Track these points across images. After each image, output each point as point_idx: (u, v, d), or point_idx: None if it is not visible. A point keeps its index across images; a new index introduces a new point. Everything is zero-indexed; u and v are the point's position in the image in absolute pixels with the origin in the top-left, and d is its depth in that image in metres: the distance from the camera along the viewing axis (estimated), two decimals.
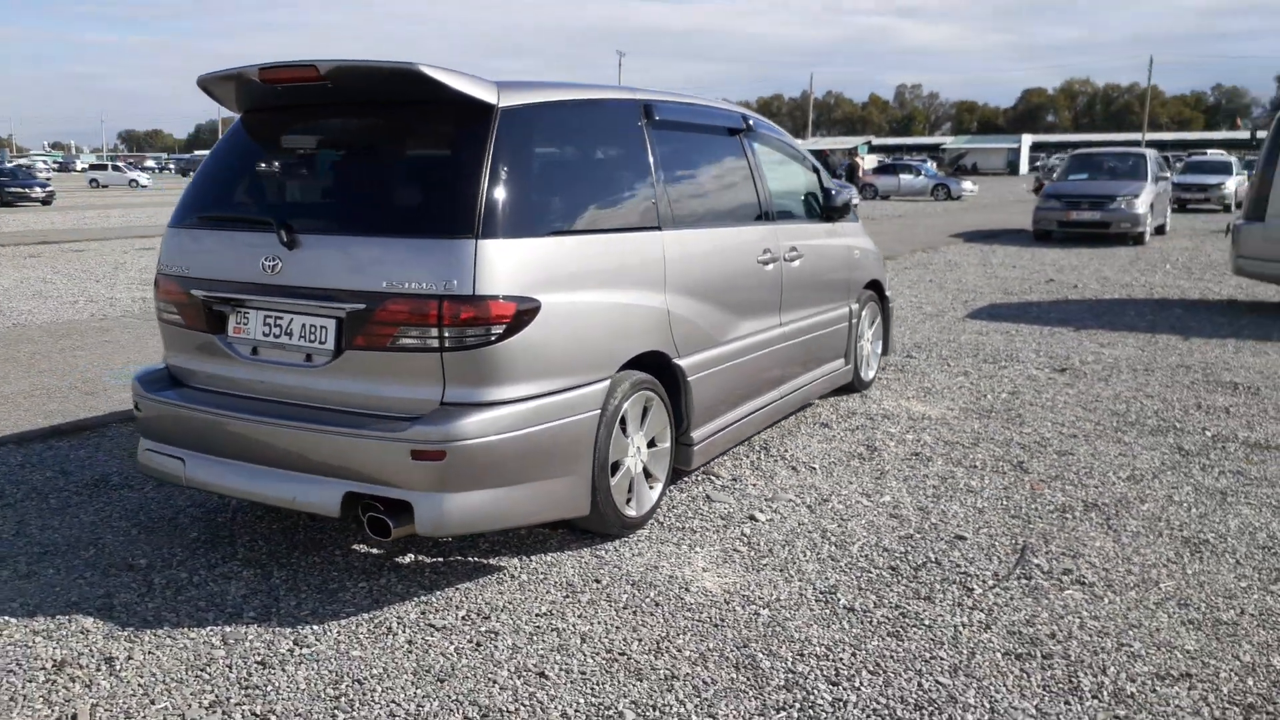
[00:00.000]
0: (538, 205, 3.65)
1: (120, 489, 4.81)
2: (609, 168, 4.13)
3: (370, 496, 3.50)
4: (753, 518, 4.42)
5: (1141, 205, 17.26)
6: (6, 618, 3.48)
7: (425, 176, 3.60)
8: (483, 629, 3.39)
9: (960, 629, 3.39)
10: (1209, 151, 47.56)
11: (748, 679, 3.07)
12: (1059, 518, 4.43)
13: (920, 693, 2.98)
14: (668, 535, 4.22)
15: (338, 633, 3.37)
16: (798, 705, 2.92)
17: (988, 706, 2.91)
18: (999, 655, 3.21)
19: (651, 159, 4.33)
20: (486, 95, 3.58)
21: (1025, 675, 3.08)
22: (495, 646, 3.27)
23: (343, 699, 2.97)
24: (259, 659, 3.20)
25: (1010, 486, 4.85)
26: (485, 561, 3.93)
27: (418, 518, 3.41)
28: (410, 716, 2.88)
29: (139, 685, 3.05)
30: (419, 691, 3.00)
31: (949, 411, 6.30)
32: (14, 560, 3.97)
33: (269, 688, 3.03)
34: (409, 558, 3.97)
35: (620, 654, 3.23)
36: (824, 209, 5.99)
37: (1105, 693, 2.98)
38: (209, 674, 3.11)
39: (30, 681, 3.07)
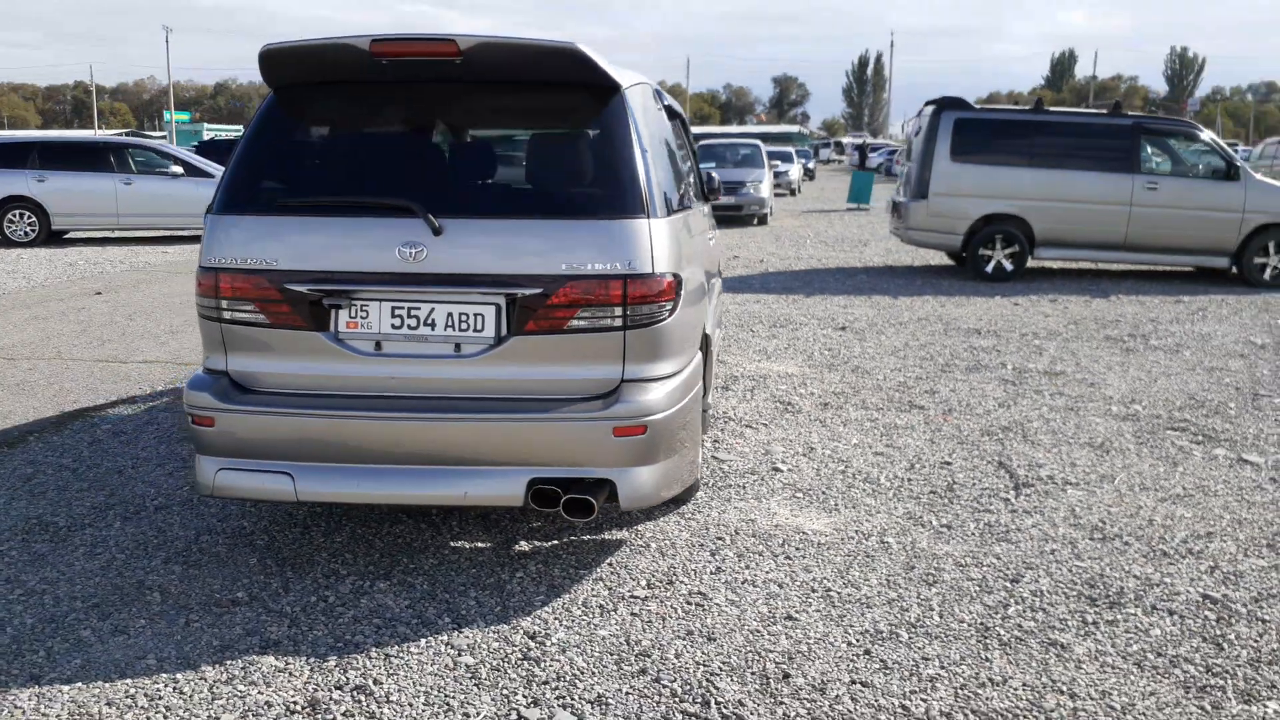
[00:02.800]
0: (663, 185, 3.78)
1: (79, 529, 4.07)
2: (669, 148, 4.32)
3: (553, 480, 3.46)
4: (775, 469, 4.85)
5: (765, 190, 19.66)
6: (167, 674, 2.98)
7: (584, 158, 3.59)
8: (683, 593, 3.53)
9: (1040, 528, 4.13)
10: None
11: (950, 589, 3.56)
12: (991, 439, 5.38)
13: (1077, 574, 3.67)
14: (721, 493, 4.52)
15: (554, 620, 3.32)
16: (1012, 600, 3.48)
17: (1130, 573, 3.67)
18: (1091, 541, 4.00)
19: (674, 140, 4.57)
20: (617, 76, 3.65)
21: (1123, 550, 3.90)
22: (716, 605, 3.44)
23: (650, 669, 3.01)
24: (519, 655, 3.10)
25: (928, 420, 5.73)
26: (598, 538, 3.99)
27: (621, 494, 3.45)
28: (730, 670, 3.01)
29: (427, 705, 2.84)
30: (708, 651, 3.13)
31: (803, 368, 7.12)
32: (77, 622, 3.32)
33: (569, 675, 2.98)
34: (524, 544, 3.91)
35: (826, 590, 3.56)
36: (706, 190, 6.48)
37: (1186, 552, 3.88)
38: (489, 678, 2.97)
39: None
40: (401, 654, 3.09)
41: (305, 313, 3.48)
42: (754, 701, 2.84)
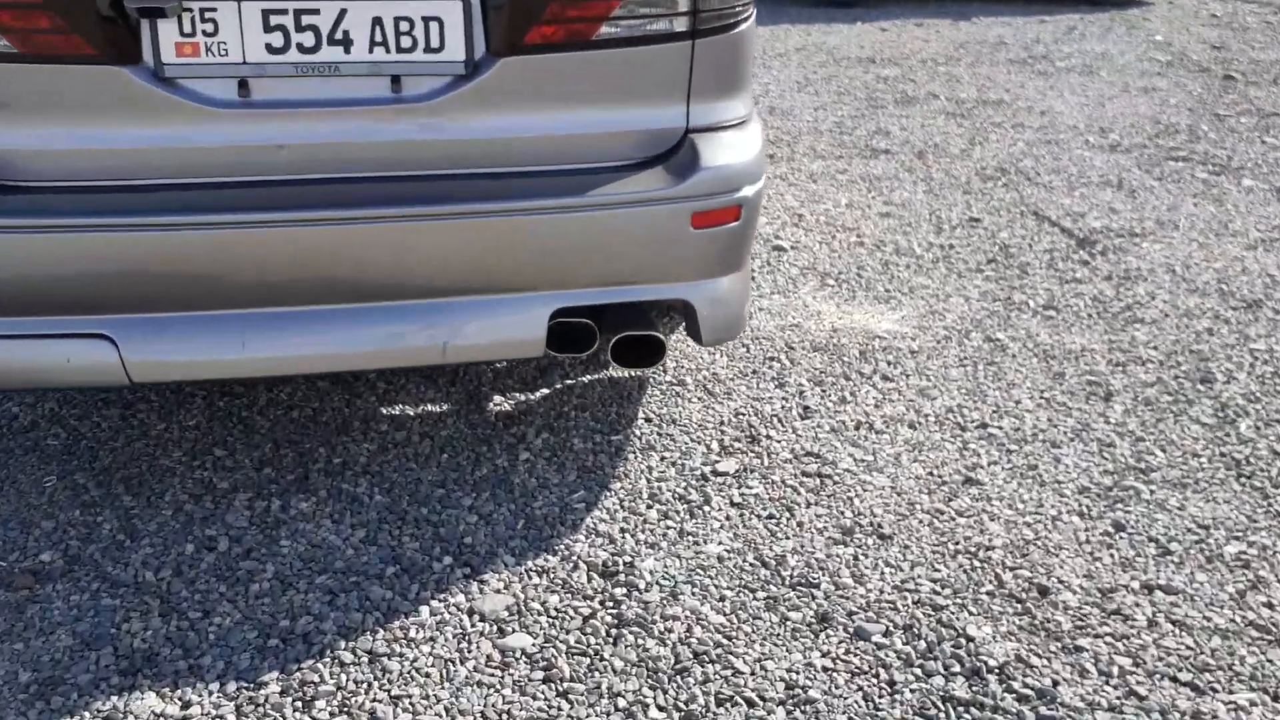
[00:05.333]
0: None
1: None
2: None
3: (575, 310, 2.06)
4: (778, 248, 3.60)
5: None
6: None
7: None
8: (785, 458, 2.32)
9: (1158, 297, 3.17)
10: None
11: (1140, 405, 2.54)
12: (995, 184, 4.34)
13: (1269, 361, 2.73)
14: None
15: (628, 539, 2.04)
16: (1231, 414, 2.49)
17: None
18: (1236, 311, 3.07)
19: None
20: None
21: None
22: (847, 471, 2.27)
23: (837, 616, 1.82)
24: (609, 620, 1.81)
25: (906, 166, 4.60)
26: (598, 376, 2.66)
27: (704, 322, 2.10)
28: (956, 596, 1.87)
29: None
30: (896, 563, 1.96)
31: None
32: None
33: (716, 654, 1.73)
34: (499, 401, 2.53)
35: (981, 425, 2.44)
36: None
37: None
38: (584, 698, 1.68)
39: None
40: (406, 671, 1.73)
41: (92, 30, 1.78)
42: (1040, 658, 1.72)
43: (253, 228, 1.86)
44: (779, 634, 1.76)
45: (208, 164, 1.89)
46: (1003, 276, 3.33)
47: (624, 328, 2.06)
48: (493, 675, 1.66)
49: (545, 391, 2.55)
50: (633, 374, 2.54)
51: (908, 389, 2.60)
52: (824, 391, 2.59)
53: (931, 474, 2.23)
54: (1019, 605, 1.83)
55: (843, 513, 2.09)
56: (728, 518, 2.07)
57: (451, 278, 1.97)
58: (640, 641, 1.73)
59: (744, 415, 2.47)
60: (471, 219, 1.92)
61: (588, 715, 1.59)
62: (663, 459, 2.28)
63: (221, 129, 1.87)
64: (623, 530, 2.03)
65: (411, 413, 2.46)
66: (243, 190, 1.89)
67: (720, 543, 1.99)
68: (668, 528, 2.04)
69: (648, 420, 2.44)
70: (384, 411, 2.46)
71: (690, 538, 2.01)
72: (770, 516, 2.08)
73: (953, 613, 1.81)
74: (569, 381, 2.60)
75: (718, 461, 2.27)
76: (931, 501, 2.13)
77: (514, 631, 1.75)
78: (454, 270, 1.96)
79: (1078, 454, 2.31)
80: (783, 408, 2.50)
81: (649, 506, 2.11)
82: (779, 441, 2.36)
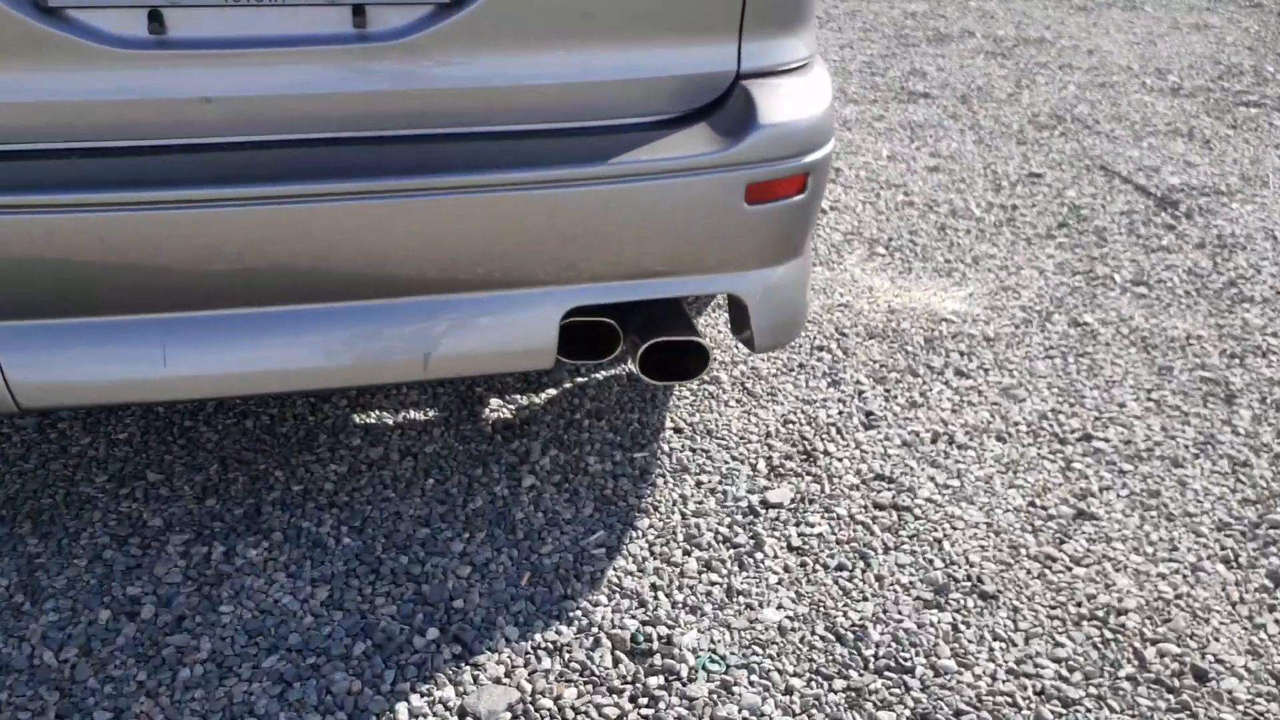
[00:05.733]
0: None
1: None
2: None
3: (593, 308, 1.62)
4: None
5: None
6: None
7: None
8: (850, 483, 1.88)
9: (1263, 271, 2.71)
10: None
11: (1269, 408, 2.10)
12: (1052, 134, 3.86)
13: None
14: None
15: (661, 600, 1.62)
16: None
17: None
18: None
19: None
20: None
21: None
22: (930, 502, 1.84)
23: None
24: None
25: (950, 112, 4.12)
26: (610, 371, 2.22)
27: (757, 323, 1.66)
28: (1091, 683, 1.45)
29: None
30: (1007, 629, 1.54)
31: None
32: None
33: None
34: (495, 406, 2.09)
35: (1085, 436, 2.01)
36: None
37: None
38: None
39: None
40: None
41: None
42: None
43: (171, 207, 1.41)
44: None
45: (109, 123, 1.43)
46: (1079, 244, 2.88)
47: (656, 331, 1.62)
48: None
49: (552, 392, 2.12)
50: (668, 385, 2.10)
51: (989, 388, 2.16)
52: (888, 392, 2.15)
53: (1033, 505, 1.81)
54: (1173, 698, 1.41)
55: (930, 561, 1.67)
56: (786, 569, 1.65)
57: (434, 270, 1.52)
58: None
59: (794, 424, 2.03)
60: (458, 194, 1.47)
61: None
62: (699, 484, 1.85)
63: (127, 76, 1.41)
64: (654, 587, 1.61)
65: (390, 422, 2.02)
66: (156, 157, 1.43)
67: (780, 605, 1.57)
68: (712, 584, 1.62)
69: (677, 431, 2.00)
70: (357, 420, 2.02)
71: (741, 598, 1.59)
72: (840, 567, 1.65)
73: (1090, 710, 1.39)
74: (580, 379, 2.16)
75: (768, 489, 1.84)
76: (1038, 544, 1.71)
77: None
78: (437, 260, 1.51)
79: (1206, 475, 1.89)
80: (840, 414, 2.07)
81: (686, 553, 1.68)
82: (840, 460, 1.93)
